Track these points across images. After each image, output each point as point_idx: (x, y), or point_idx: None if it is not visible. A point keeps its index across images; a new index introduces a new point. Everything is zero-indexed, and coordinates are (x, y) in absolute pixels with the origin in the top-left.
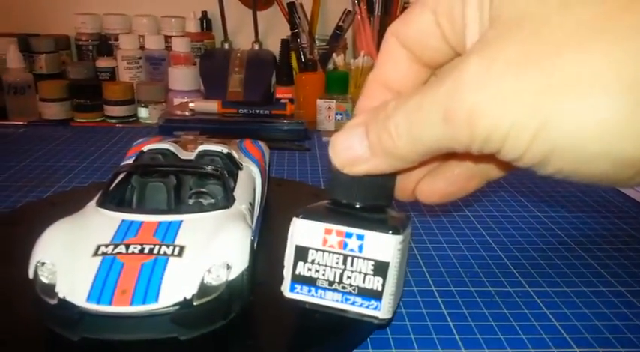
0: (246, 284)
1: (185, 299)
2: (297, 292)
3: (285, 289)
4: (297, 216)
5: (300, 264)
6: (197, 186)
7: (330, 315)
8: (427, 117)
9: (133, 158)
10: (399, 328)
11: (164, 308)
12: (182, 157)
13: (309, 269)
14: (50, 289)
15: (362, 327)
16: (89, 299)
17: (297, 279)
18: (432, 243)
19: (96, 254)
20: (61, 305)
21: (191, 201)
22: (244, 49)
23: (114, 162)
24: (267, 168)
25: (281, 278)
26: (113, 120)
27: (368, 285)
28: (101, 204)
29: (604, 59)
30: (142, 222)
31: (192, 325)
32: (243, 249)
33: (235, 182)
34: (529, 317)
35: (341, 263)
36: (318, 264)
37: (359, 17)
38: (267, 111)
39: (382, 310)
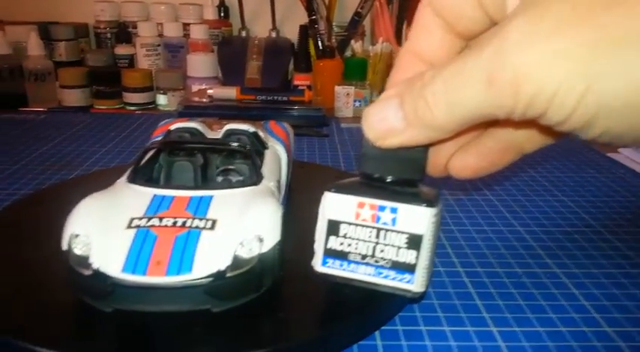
0: (277, 258)
1: (219, 271)
2: (329, 266)
3: (317, 263)
4: (329, 190)
5: (332, 238)
6: (224, 164)
7: (360, 291)
8: (468, 81)
9: (161, 137)
10: (427, 307)
11: (198, 279)
12: (209, 136)
13: (342, 244)
14: (84, 260)
15: (392, 303)
16: (124, 269)
17: (329, 253)
18: (456, 225)
19: (129, 226)
20: (95, 277)
21: (219, 179)
22: (261, 36)
23: (135, 147)
24: (292, 149)
25: (308, 256)
26: (132, 107)
27: (401, 259)
28: (132, 179)
29: None
30: (173, 197)
31: (225, 297)
32: (275, 223)
33: (262, 161)
34: (558, 297)
35: (374, 236)
36: (351, 237)
37: (377, 3)
38: (286, 97)
39: (415, 283)
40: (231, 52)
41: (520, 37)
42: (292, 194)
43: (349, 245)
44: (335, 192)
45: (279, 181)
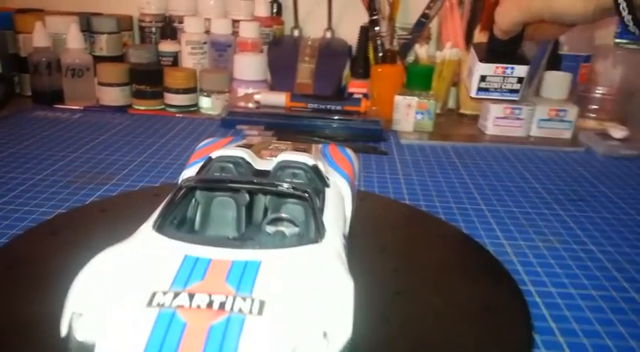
0: None
1: None
2: (478, 94)
3: (472, 92)
4: (481, 61)
5: (482, 83)
6: (273, 205)
7: None
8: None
9: (198, 164)
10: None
11: None
12: (257, 168)
13: (487, 83)
14: (88, 351)
15: None
16: None
17: (480, 89)
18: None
19: (150, 304)
20: None
21: (270, 229)
22: (315, 36)
23: (173, 157)
24: (356, 183)
25: (378, 342)
26: (173, 109)
27: (514, 87)
28: (159, 228)
29: None
30: (210, 260)
31: None
32: (347, 312)
33: (322, 204)
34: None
35: (502, 79)
36: (491, 81)
37: (448, 3)
38: (340, 107)
39: (519, 97)
40: (281, 53)
41: None
42: (352, 235)
43: (490, 83)
44: (485, 62)
45: (345, 236)
